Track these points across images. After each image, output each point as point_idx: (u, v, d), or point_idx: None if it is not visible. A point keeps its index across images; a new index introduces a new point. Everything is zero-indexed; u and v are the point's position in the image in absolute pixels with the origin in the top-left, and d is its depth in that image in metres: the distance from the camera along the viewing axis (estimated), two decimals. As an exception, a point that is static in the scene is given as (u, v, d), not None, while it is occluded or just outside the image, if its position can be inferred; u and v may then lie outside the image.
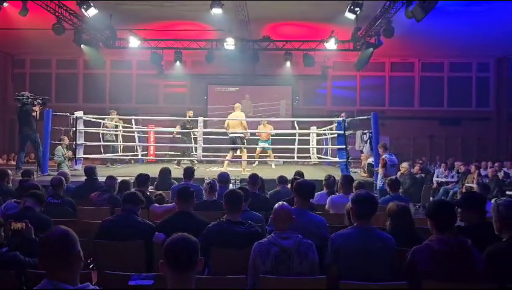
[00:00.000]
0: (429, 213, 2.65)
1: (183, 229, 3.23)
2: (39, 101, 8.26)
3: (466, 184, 9.78)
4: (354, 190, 4.89)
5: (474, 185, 9.25)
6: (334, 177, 5.31)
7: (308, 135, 11.42)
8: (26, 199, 3.59)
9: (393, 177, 5.35)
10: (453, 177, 11.21)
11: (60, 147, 8.95)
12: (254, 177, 5.04)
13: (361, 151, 8.68)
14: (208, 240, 2.97)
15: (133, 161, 11.77)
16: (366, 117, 7.85)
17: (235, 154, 9.19)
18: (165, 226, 3.29)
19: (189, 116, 10.02)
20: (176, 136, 10.31)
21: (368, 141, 7.98)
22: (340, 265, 2.68)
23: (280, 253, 2.58)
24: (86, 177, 5.94)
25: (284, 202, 2.91)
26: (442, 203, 2.81)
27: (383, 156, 6.85)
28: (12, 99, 16.75)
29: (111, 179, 5.30)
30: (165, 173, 6.30)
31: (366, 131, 8.18)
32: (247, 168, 8.98)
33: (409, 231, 3.09)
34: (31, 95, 8.24)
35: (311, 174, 7.52)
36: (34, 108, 8.06)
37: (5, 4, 9.03)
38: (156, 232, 3.20)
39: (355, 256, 2.65)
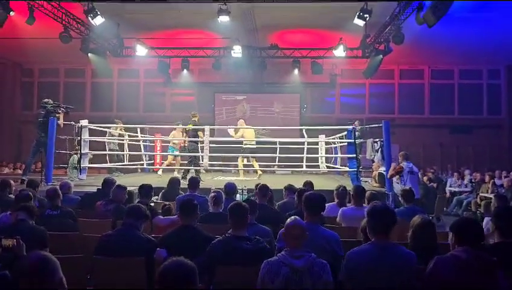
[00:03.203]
0: (455, 228, 2.49)
1: (186, 245, 3.09)
2: (63, 109, 8.29)
3: (480, 194, 9.49)
4: (366, 201, 4.69)
5: (490, 195, 8.95)
6: (345, 188, 5.08)
7: (316, 143, 11.21)
8: (18, 212, 3.44)
9: (407, 187, 5.13)
10: (466, 186, 10.91)
11: (75, 156, 8.81)
12: (264, 189, 4.83)
13: (372, 161, 8.45)
14: (213, 257, 2.79)
15: (139, 170, 11.66)
16: (377, 125, 7.64)
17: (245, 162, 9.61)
18: (167, 241, 3.10)
19: (197, 120, 9.20)
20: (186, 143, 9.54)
21: (379, 149, 7.75)
22: (356, 285, 2.48)
23: (291, 274, 2.37)
24: (100, 187, 5.73)
25: (297, 217, 2.70)
26: (469, 220, 2.69)
27: (401, 164, 6.65)
28: (20, 108, 16.99)
29: (119, 188, 5.07)
30: (174, 182, 6.10)
31: (378, 139, 7.96)
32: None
33: (432, 246, 2.85)
34: (54, 103, 8.25)
35: (320, 184, 7.31)
36: (57, 116, 8.05)
37: (12, 13, 9.02)
38: (158, 248, 3.03)
39: (372, 276, 2.44)
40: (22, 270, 1.56)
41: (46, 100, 8.30)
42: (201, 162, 8.86)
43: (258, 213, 3.81)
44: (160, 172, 9.98)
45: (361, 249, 2.58)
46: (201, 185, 6.21)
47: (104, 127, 9.81)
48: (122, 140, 10.75)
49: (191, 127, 8.96)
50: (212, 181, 8.69)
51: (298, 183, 5.77)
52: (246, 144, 9.27)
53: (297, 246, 2.50)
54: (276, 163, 11.26)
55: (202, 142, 8.78)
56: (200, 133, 8.77)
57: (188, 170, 8.83)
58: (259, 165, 9.82)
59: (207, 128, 8.29)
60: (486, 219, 4.25)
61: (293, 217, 2.68)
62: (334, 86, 15.87)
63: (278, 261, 2.46)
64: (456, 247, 2.47)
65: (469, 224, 2.55)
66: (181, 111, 16.32)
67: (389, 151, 7.29)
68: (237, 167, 9.82)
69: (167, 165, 10.37)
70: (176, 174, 9.98)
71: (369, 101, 16.80)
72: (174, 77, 15.06)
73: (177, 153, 10.15)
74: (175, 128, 10.28)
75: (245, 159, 10.19)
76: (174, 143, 10.24)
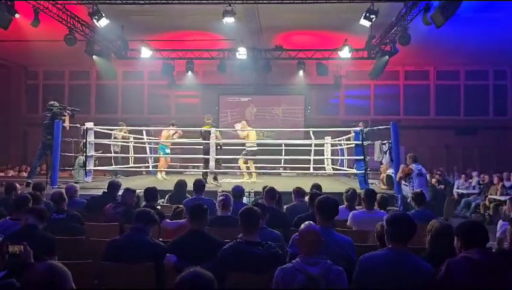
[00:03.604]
0: (461, 232, 2.45)
1: (196, 251, 3.03)
2: (69, 112, 8.31)
3: (489, 196, 9.38)
4: (377, 204, 4.61)
5: (499, 197, 8.86)
6: (354, 191, 5.00)
7: (321, 145, 11.10)
8: (27, 216, 3.33)
9: (419, 190, 5.04)
10: (474, 188, 10.78)
11: (81, 157, 8.75)
12: (271, 191, 4.75)
13: (381, 163, 8.35)
14: (223, 263, 2.72)
15: (144, 173, 11.61)
16: (385, 127, 7.54)
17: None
18: (176, 246, 3.04)
19: (211, 122, 9.04)
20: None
21: (388, 151, 7.66)
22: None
23: (306, 281, 2.29)
24: (105, 191, 5.67)
25: (312, 222, 2.63)
26: (474, 223, 2.66)
27: (410, 165, 6.53)
28: (26, 111, 17.01)
29: (128, 191, 5.00)
30: (181, 185, 6.02)
31: (386, 141, 7.87)
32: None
33: (450, 253, 2.77)
34: (60, 106, 8.25)
35: (328, 186, 7.20)
36: (63, 118, 8.06)
37: (17, 15, 9.00)
38: (167, 254, 2.96)
39: (385, 281, 2.36)
40: (30, 281, 1.49)
41: (52, 103, 8.31)
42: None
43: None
44: (159, 176, 9.85)
45: (377, 254, 2.51)
46: (207, 187, 6.14)
47: (109, 130, 9.78)
48: (127, 142, 10.70)
49: (208, 128, 8.83)
50: (218, 184, 8.62)
51: (304, 185, 5.68)
52: (249, 146, 9.21)
53: (312, 253, 2.43)
54: (282, 165, 11.17)
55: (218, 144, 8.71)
56: (217, 134, 8.66)
57: (217, 173, 8.64)
58: (260, 167, 9.76)
59: (213, 130, 8.22)
60: (500, 223, 4.15)
61: (307, 222, 2.60)
62: (338, 88, 15.76)
63: (292, 268, 2.38)
64: (462, 251, 2.43)
65: (474, 227, 2.51)
66: (185, 113, 16.35)
67: (397, 153, 7.21)
68: (244, 169, 9.74)
69: (161, 166, 10.16)
70: (164, 176, 9.87)
71: (374, 103, 16.70)
72: (178, 78, 15.02)
73: (168, 151, 9.97)
74: (165, 128, 10.08)
75: (247, 162, 10.04)
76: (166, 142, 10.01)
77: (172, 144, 10.43)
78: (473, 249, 2.37)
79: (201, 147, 9.00)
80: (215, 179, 8.50)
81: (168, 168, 10.13)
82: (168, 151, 9.99)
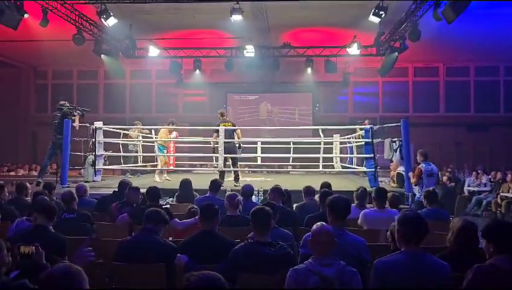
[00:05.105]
0: (494, 235, 2.33)
1: (207, 251, 3.01)
2: (79, 112, 8.37)
3: (501, 194, 9.24)
4: (388, 203, 4.56)
5: (512, 195, 8.73)
6: (365, 189, 4.94)
7: (329, 143, 11.02)
8: (37, 215, 3.33)
9: (431, 188, 4.97)
10: (485, 186, 10.64)
11: (91, 155, 8.75)
12: (278, 190, 4.72)
13: (391, 161, 8.27)
14: (235, 264, 2.69)
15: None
16: (395, 124, 7.46)
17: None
18: (187, 247, 3.02)
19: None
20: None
21: (398, 149, 7.58)
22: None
23: (321, 283, 2.26)
24: (116, 190, 5.65)
25: (324, 223, 2.59)
26: (506, 224, 2.50)
27: (420, 165, 6.41)
28: (35, 111, 17.15)
29: (132, 190, 4.97)
30: (186, 184, 6.01)
31: (396, 139, 7.78)
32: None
33: (475, 253, 2.68)
34: (70, 105, 8.33)
35: (338, 185, 7.15)
36: (73, 118, 8.12)
37: (26, 15, 9.04)
38: (178, 254, 2.95)
39: (404, 286, 2.31)
40: (48, 283, 1.48)
41: (62, 102, 8.37)
42: (215, 163, 8.78)
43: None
44: (157, 178, 9.65)
45: (392, 259, 2.44)
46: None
47: (121, 129, 9.73)
48: (144, 142, 10.65)
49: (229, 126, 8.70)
50: (226, 182, 8.59)
51: (313, 183, 5.62)
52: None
53: (325, 254, 2.38)
54: (290, 163, 11.14)
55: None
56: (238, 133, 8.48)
57: (238, 173, 8.33)
58: (268, 165, 9.65)
59: (222, 128, 8.19)
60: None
61: (319, 223, 2.56)
62: (347, 85, 15.65)
63: (305, 269, 2.34)
64: (494, 256, 2.32)
65: (507, 229, 2.37)
66: (193, 111, 16.38)
67: (408, 150, 7.13)
68: (251, 168, 9.71)
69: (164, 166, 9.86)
70: (167, 176, 9.41)
71: (382, 100, 16.59)
72: (186, 77, 15.02)
73: (166, 152, 9.58)
74: (163, 127, 9.84)
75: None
76: (164, 142, 9.58)
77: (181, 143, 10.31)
78: (503, 254, 2.27)
79: (210, 145, 8.95)
80: (236, 180, 8.06)
81: (176, 167, 10.10)
82: (165, 151, 9.54)
